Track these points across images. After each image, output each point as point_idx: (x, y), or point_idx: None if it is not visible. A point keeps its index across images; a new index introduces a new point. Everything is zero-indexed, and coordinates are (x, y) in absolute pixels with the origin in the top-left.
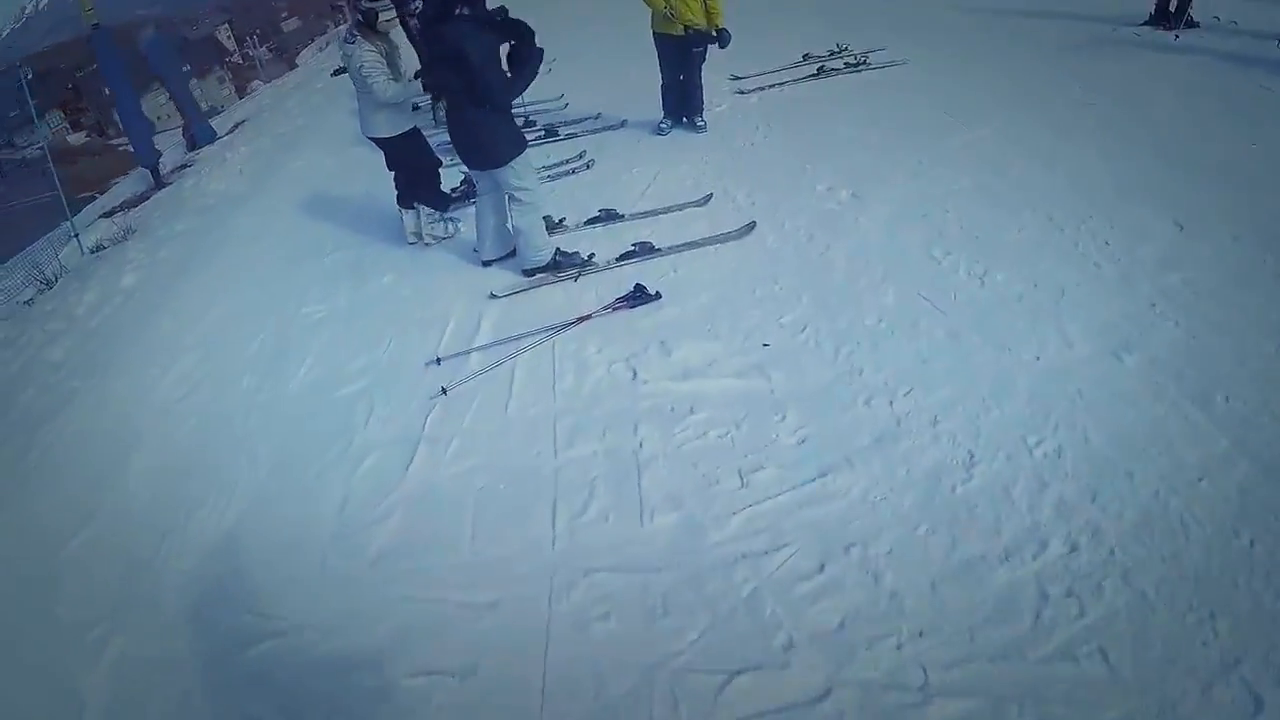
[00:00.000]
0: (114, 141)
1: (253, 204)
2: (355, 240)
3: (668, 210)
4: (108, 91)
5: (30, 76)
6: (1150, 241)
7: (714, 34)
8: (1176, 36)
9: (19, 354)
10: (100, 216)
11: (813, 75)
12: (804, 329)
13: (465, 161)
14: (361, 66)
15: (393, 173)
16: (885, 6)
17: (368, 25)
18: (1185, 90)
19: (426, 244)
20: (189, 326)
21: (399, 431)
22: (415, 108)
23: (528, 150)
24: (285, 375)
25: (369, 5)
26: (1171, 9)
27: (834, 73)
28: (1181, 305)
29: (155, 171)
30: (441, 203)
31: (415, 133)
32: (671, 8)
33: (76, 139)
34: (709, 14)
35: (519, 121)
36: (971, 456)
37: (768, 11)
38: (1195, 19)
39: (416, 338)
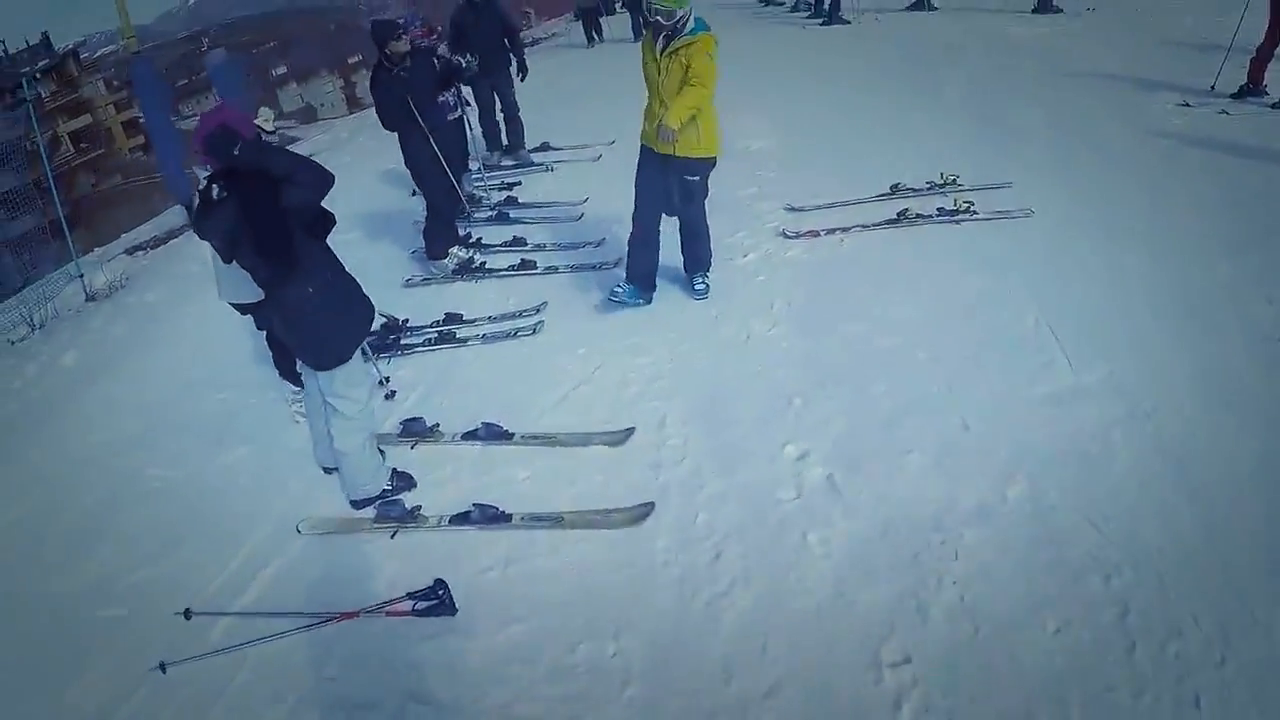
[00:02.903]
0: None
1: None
2: (258, 377)
3: (569, 442)
4: (142, 120)
5: (205, 47)
6: None
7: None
8: None
9: None
10: (124, 252)
11: (892, 220)
12: None
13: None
14: None
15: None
16: (1051, 122)
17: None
18: None
19: (296, 421)
20: (49, 458)
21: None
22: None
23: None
24: (65, 570)
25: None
26: None
27: (922, 220)
28: None
29: (189, 208)
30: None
31: None
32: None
33: None
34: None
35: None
36: None
37: (877, 116)
38: None
39: (203, 556)
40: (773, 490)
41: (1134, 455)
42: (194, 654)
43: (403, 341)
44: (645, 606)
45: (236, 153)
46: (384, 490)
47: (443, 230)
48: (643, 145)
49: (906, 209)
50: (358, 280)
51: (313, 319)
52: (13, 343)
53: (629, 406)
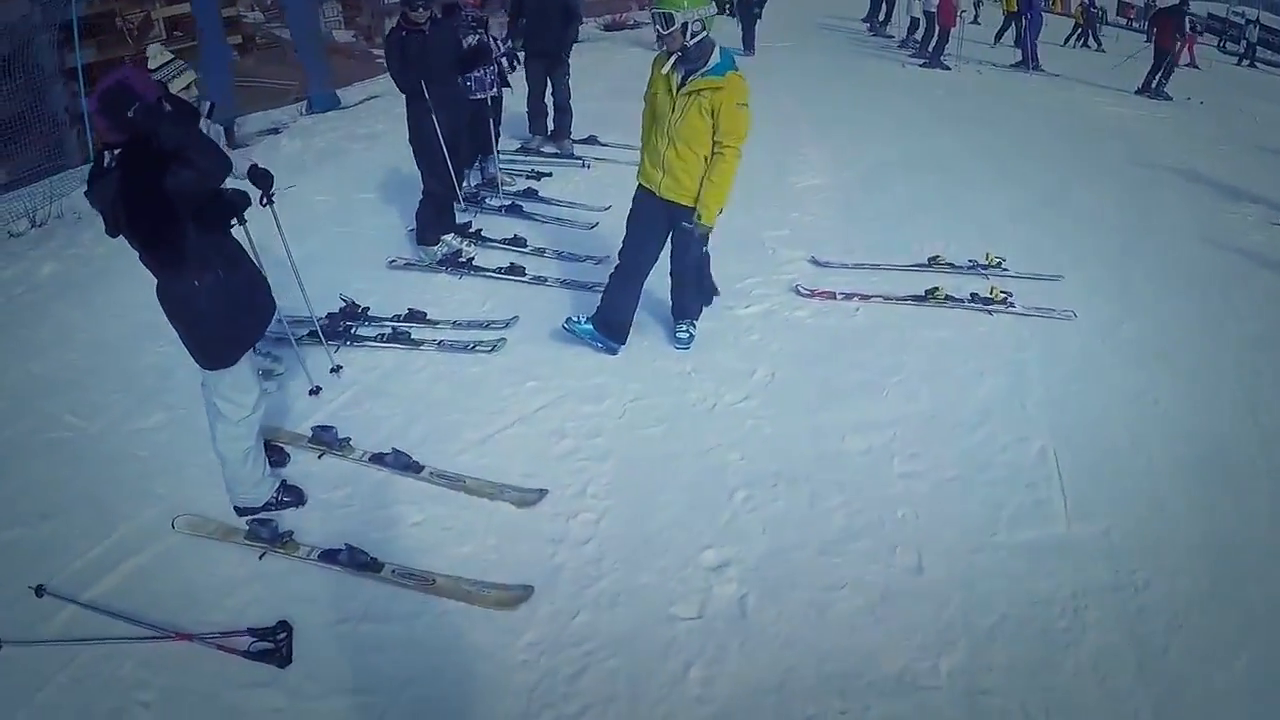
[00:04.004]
0: (376, 51)
1: None
2: None
3: (476, 490)
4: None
5: None
6: None
7: (694, 221)
8: None
9: None
10: None
11: (918, 297)
12: None
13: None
14: None
15: None
16: (1120, 213)
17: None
18: None
19: None
20: None
21: None
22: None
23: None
24: None
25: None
26: None
27: (951, 302)
28: None
29: (229, 130)
30: None
31: None
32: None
33: (343, 36)
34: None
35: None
36: None
37: (942, 173)
38: None
39: (79, 528)
40: (672, 603)
41: (1105, 639)
42: (33, 638)
43: (356, 331)
44: (485, 711)
45: (131, 115)
46: (268, 503)
47: (435, 215)
48: (640, 184)
49: (937, 287)
50: (264, 274)
51: (196, 316)
52: (12, 235)
53: (555, 462)
